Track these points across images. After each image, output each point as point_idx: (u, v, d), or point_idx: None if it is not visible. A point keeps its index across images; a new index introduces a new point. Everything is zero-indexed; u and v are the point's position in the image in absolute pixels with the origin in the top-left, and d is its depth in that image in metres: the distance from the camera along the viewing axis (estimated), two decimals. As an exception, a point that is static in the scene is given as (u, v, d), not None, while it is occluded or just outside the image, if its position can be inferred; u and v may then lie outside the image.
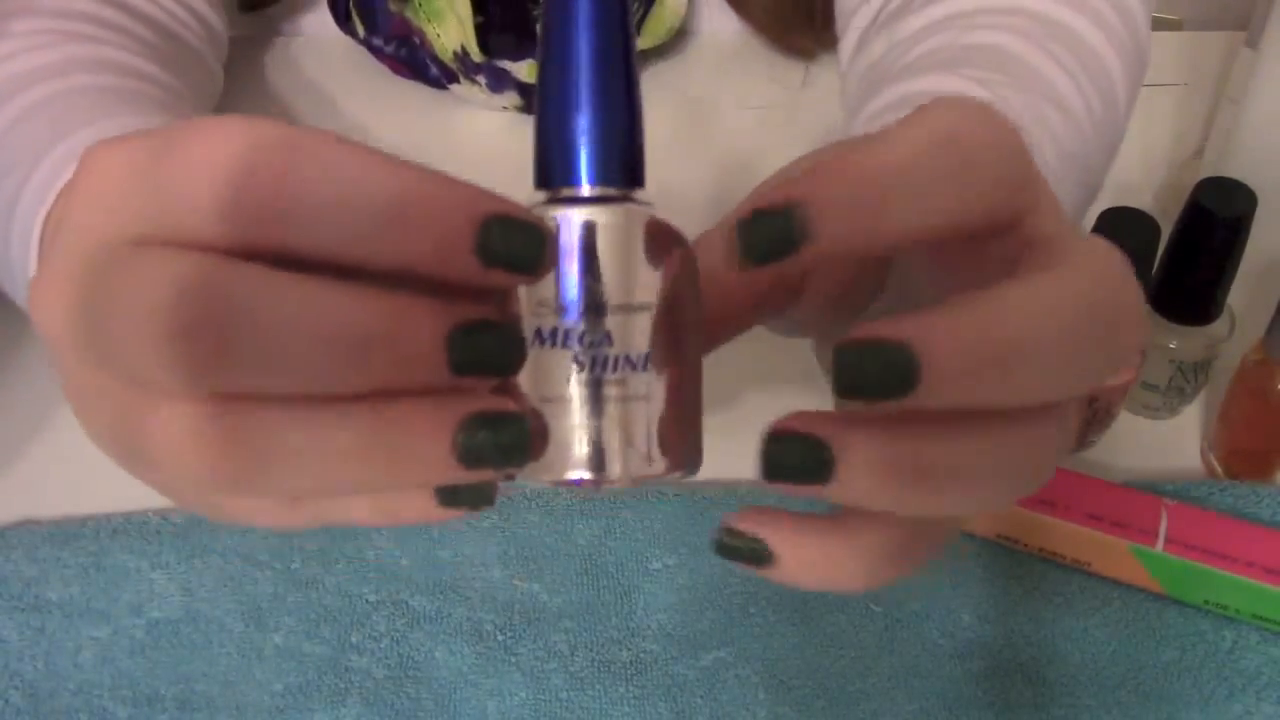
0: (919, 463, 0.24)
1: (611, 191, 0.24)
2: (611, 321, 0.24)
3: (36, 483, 0.51)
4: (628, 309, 0.24)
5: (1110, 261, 0.25)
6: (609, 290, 0.24)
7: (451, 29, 0.62)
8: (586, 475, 0.24)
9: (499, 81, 0.64)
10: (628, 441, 0.24)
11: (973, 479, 0.24)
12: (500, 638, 0.46)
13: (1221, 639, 0.46)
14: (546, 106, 0.25)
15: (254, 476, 0.23)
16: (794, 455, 0.24)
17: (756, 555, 0.28)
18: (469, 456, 0.23)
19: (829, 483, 0.24)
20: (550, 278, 0.24)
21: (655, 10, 0.64)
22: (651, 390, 0.24)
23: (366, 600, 0.47)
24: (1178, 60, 0.68)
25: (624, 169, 0.25)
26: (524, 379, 0.24)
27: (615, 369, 0.24)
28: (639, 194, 0.25)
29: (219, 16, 0.59)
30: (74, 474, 0.51)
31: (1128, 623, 0.46)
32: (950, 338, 0.22)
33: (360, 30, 0.66)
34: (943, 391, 0.22)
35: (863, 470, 0.24)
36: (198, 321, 0.22)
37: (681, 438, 0.26)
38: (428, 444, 0.23)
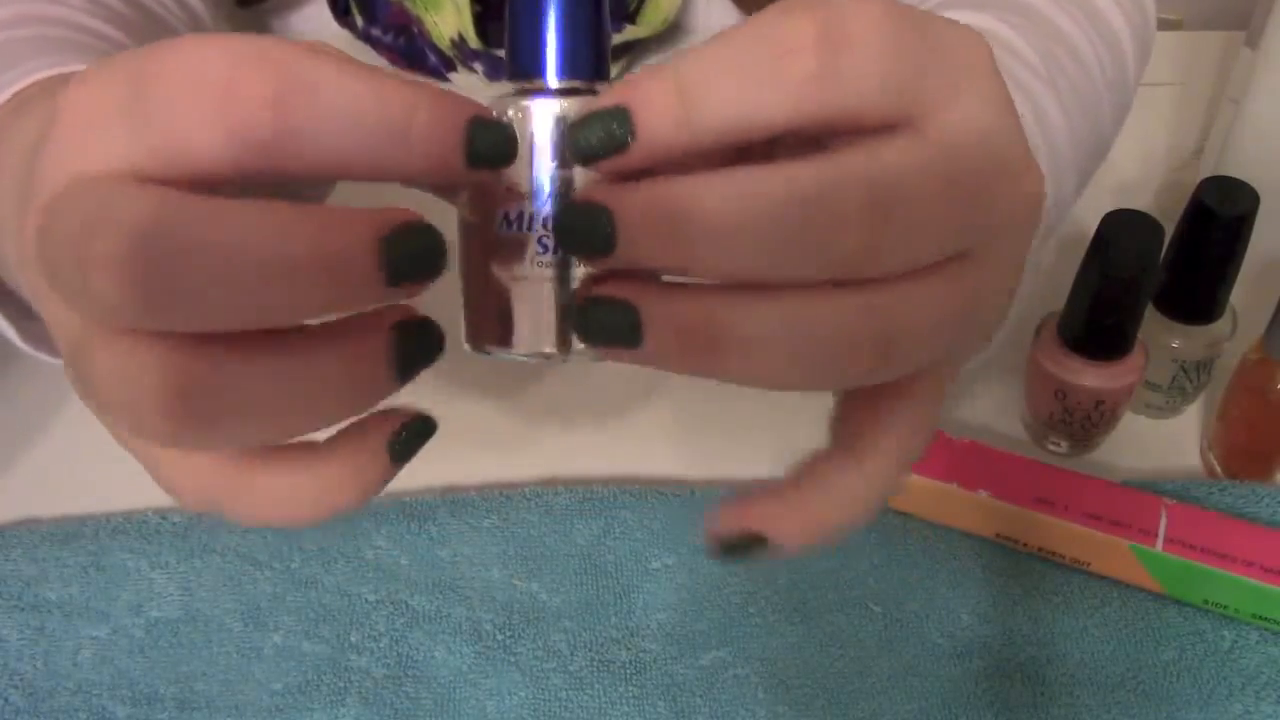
0: (713, 329, 0.25)
1: (578, 84, 0.26)
2: None
3: (36, 482, 0.51)
4: None
5: (938, 156, 0.24)
6: (575, 176, 0.25)
7: (449, 17, 0.62)
8: (552, 349, 0.26)
9: (497, 70, 0.64)
10: None
11: (765, 351, 0.25)
12: (500, 637, 0.46)
13: (1221, 638, 0.46)
14: (516, 4, 0.26)
15: (199, 420, 0.23)
16: (607, 317, 0.25)
17: (752, 546, 0.29)
18: (402, 358, 0.26)
19: (638, 346, 0.25)
20: (519, 165, 0.25)
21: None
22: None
23: (366, 600, 0.47)
24: (1177, 60, 0.68)
25: (590, 63, 0.26)
26: (495, 262, 0.26)
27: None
28: (603, 86, 0.26)
29: (207, 9, 0.59)
30: (74, 474, 0.52)
31: (1127, 622, 0.46)
32: (634, 203, 0.24)
33: (359, 22, 0.66)
34: (634, 251, 0.24)
35: (666, 334, 0.25)
36: (134, 253, 0.22)
37: None
38: (366, 364, 0.25)
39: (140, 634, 0.46)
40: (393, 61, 0.67)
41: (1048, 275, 0.58)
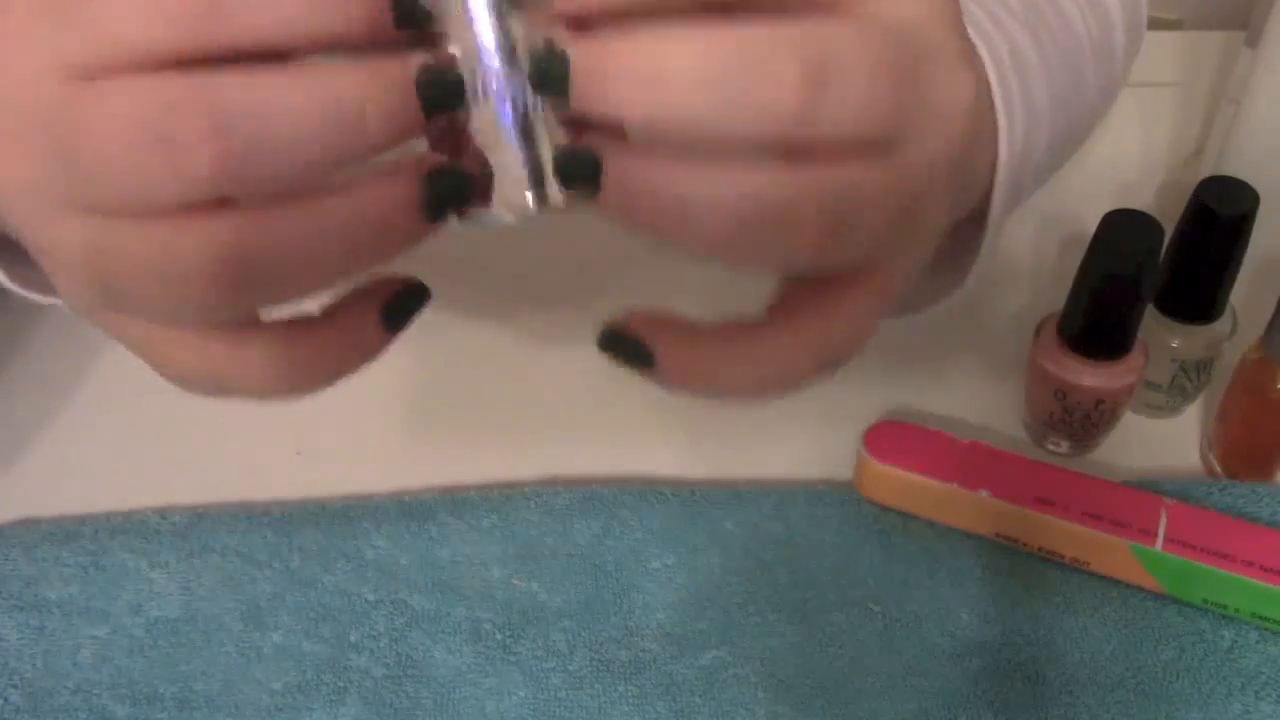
0: (668, 186, 0.26)
1: None
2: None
3: (36, 482, 0.51)
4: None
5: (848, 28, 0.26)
6: (521, 31, 0.26)
7: None
8: (529, 204, 0.28)
9: None
10: None
11: (715, 215, 0.26)
12: (499, 637, 0.46)
13: (1221, 638, 0.46)
14: None
15: (246, 280, 0.25)
16: (576, 163, 0.27)
17: (638, 355, 0.30)
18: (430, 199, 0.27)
19: (599, 190, 0.27)
20: (467, 32, 0.26)
21: None
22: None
23: (365, 599, 0.47)
24: (1178, 60, 0.68)
25: None
26: (468, 128, 0.27)
27: (538, 105, 0.27)
28: None
29: None
30: (74, 474, 0.52)
31: (1127, 622, 0.46)
32: (594, 53, 0.25)
33: None
34: (588, 100, 0.25)
35: (624, 185, 0.27)
36: (200, 131, 0.23)
37: None
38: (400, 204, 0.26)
39: (140, 633, 0.46)
40: None
41: (1048, 275, 0.58)
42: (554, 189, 0.28)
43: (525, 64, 0.26)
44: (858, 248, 0.28)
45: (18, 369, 0.55)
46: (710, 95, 0.25)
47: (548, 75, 0.26)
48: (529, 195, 0.28)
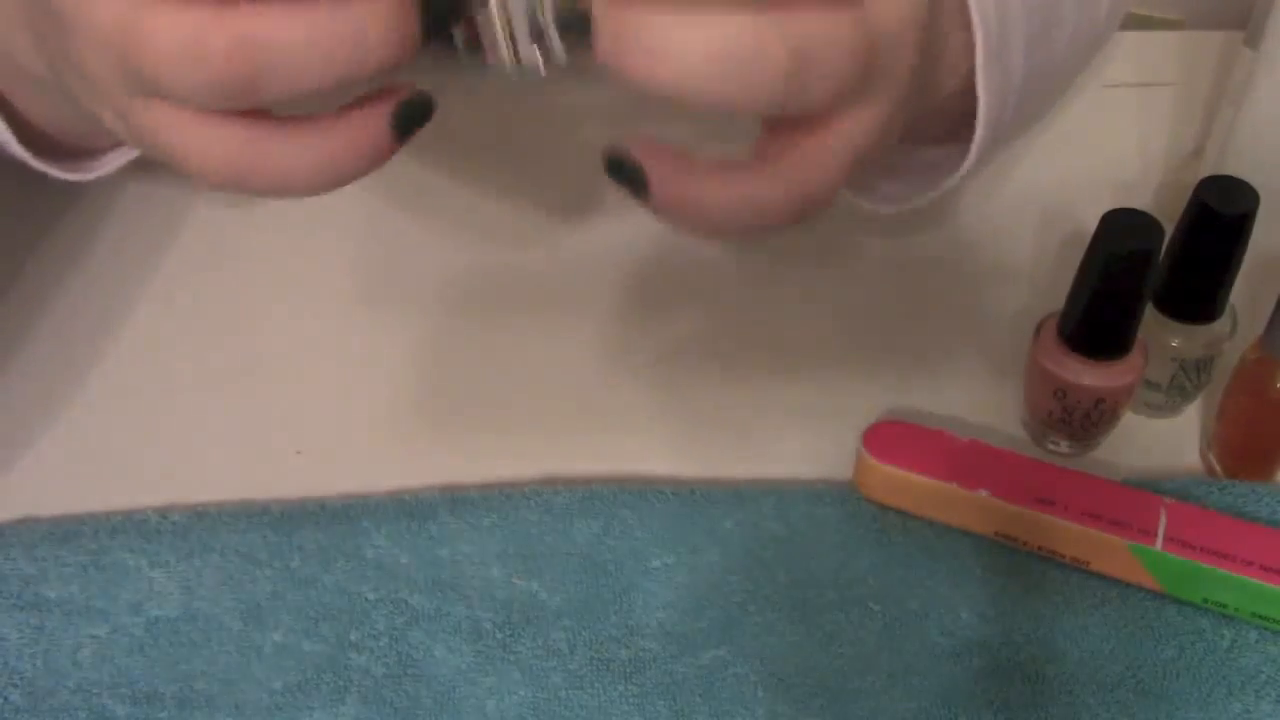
0: (648, 30, 0.31)
1: None
2: None
3: (36, 481, 0.51)
4: None
5: None
6: None
7: None
8: (536, 58, 0.33)
9: None
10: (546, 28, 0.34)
11: (690, 54, 0.30)
12: (499, 636, 0.46)
13: (1220, 637, 0.46)
14: None
15: (257, 72, 0.30)
16: (570, 14, 0.32)
17: (634, 180, 0.34)
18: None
19: (588, 34, 0.31)
20: None
21: None
22: None
23: (365, 598, 0.47)
24: (1178, 60, 0.68)
25: None
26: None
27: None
28: None
29: None
30: (74, 472, 0.52)
31: (1127, 621, 0.46)
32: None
33: None
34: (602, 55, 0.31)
35: (609, 31, 0.31)
36: (222, 51, 0.30)
37: None
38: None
39: (140, 633, 0.46)
40: None
41: (1048, 275, 0.58)
42: (555, 42, 0.33)
43: None
44: (824, 89, 0.32)
45: (18, 369, 0.55)
46: None
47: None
48: (535, 50, 0.34)
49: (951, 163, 0.46)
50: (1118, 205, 0.46)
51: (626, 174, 0.34)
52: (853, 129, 0.35)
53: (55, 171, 0.46)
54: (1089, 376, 0.48)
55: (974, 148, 0.43)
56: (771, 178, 0.34)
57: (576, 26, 0.32)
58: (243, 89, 0.31)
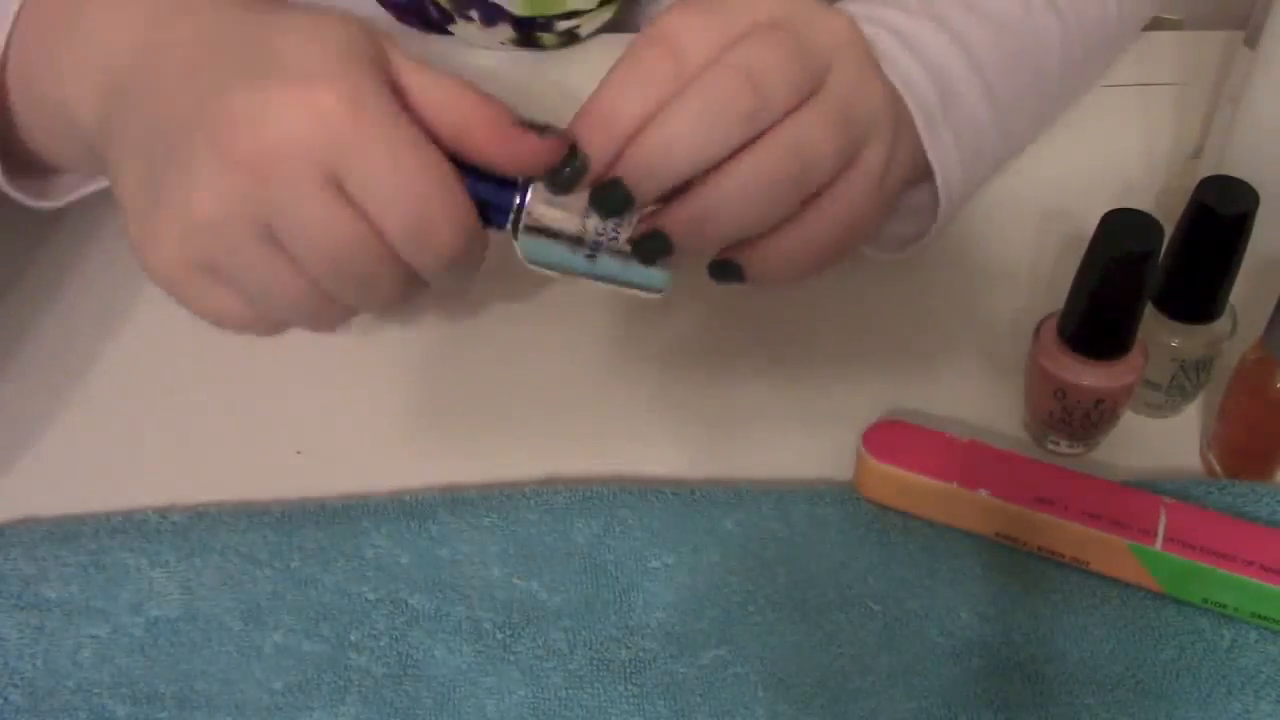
0: (702, 207, 0.41)
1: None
2: None
3: (37, 481, 0.51)
4: None
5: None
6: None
7: None
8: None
9: (491, 15, 0.64)
10: None
11: (741, 199, 0.40)
12: (499, 636, 0.46)
13: (1220, 637, 0.46)
14: None
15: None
16: (649, 243, 0.42)
17: (736, 276, 0.44)
18: None
19: (674, 251, 0.42)
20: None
21: None
22: None
23: (365, 599, 0.47)
24: (1178, 60, 0.68)
25: None
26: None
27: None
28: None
29: None
30: (74, 473, 0.52)
31: (1127, 621, 0.46)
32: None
33: None
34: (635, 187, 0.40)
35: (683, 237, 0.41)
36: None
37: None
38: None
39: (140, 633, 0.46)
40: (396, 16, 0.68)
41: (1048, 275, 0.58)
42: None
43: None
44: (826, 159, 0.41)
45: (18, 369, 0.55)
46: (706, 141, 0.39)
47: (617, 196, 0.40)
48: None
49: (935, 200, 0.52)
50: (1118, 205, 0.46)
51: (730, 273, 0.44)
52: (863, 169, 0.43)
53: (24, 198, 0.48)
54: (1089, 377, 0.48)
55: (940, 193, 0.50)
56: (821, 219, 0.43)
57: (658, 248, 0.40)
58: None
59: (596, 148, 0.38)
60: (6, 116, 0.45)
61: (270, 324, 0.41)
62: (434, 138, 0.38)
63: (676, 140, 0.38)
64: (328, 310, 0.39)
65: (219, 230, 0.37)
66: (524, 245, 0.40)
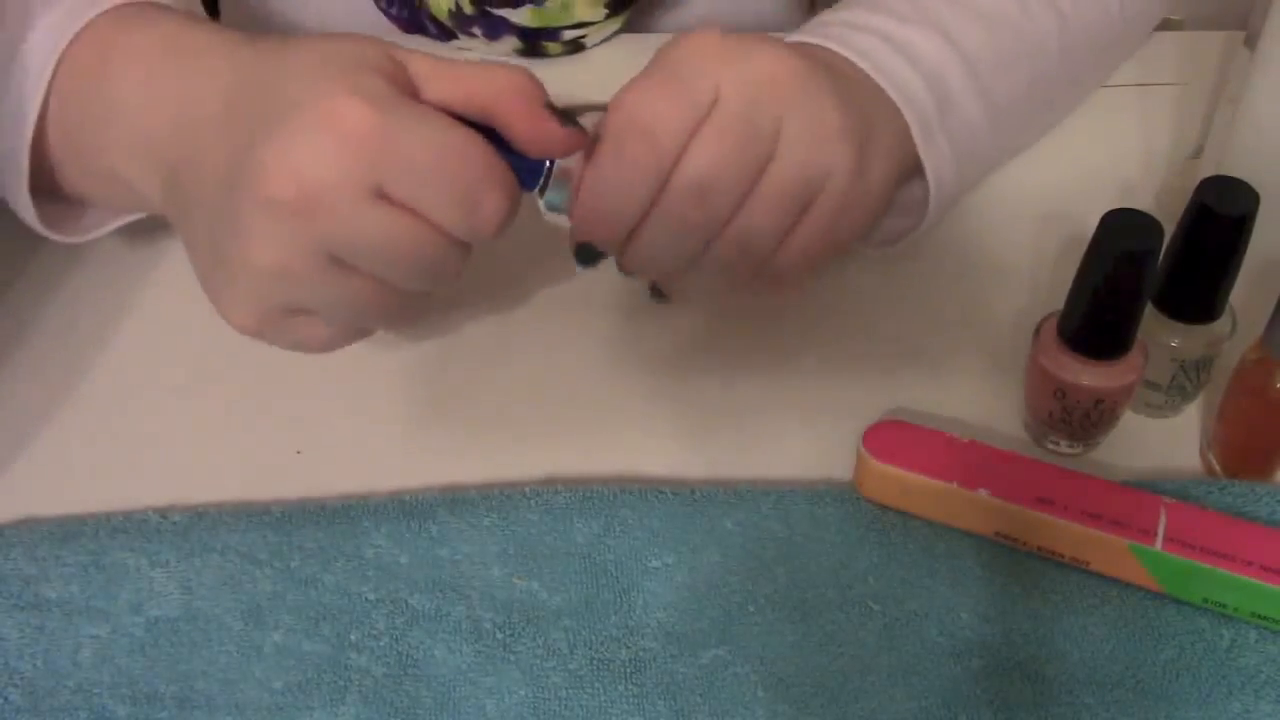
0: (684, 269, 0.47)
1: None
2: None
3: (37, 481, 0.51)
4: None
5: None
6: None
7: None
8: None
9: (495, 29, 0.65)
10: None
11: (729, 271, 0.47)
12: (499, 636, 0.46)
13: (1220, 637, 0.46)
14: None
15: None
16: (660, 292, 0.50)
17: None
18: None
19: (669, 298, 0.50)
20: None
21: None
22: None
23: (366, 598, 0.47)
24: (1178, 60, 0.68)
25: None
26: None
27: None
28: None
29: None
30: (74, 473, 0.52)
31: (1126, 621, 0.46)
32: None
33: None
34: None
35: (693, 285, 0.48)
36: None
37: None
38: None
39: (140, 633, 0.46)
40: (400, 28, 0.68)
41: (1048, 275, 0.58)
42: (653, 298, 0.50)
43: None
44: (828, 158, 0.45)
45: (18, 369, 0.55)
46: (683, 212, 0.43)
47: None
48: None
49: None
50: (1118, 205, 0.46)
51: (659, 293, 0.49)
52: (849, 180, 0.46)
53: (58, 237, 0.50)
54: (1089, 377, 0.48)
55: (931, 194, 0.52)
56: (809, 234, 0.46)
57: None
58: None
59: (607, 245, 0.44)
60: (50, 178, 0.49)
61: (353, 335, 0.44)
62: (460, 115, 0.40)
63: (650, 248, 0.44)
64: (406, 305, 0.42)
65: (286, 275, 0.39)
66: (548, 200, 0.44)
